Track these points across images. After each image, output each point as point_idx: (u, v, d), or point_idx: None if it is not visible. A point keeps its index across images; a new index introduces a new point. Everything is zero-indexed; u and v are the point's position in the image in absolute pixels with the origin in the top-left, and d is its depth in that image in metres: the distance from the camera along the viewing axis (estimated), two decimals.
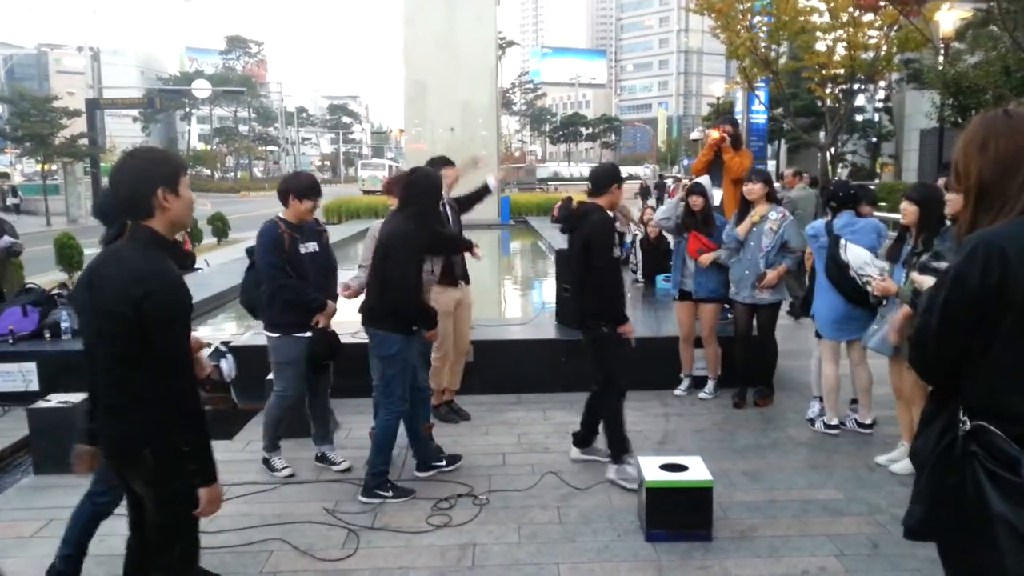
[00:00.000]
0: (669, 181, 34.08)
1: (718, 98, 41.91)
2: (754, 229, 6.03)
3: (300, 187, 4.79)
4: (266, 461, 5.05)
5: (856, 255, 5.14)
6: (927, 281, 2.62)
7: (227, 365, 3.08)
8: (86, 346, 2.81)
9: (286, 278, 4.68)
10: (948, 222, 4.63)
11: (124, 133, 73.06)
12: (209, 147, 75.95)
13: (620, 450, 4.84)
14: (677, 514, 4.07)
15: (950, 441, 2.09)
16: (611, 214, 4.87)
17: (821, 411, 6.03)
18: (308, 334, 4.78)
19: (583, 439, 5.20)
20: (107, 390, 2.70)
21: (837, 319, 5.43)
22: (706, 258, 6.19)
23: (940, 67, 18.13)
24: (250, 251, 5.03)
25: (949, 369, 2.12)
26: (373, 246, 4.97)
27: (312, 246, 4.83)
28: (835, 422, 5.62)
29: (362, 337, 4.89)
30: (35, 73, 73.26)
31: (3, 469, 5.34)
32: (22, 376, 6.30)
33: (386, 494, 4.61)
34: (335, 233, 16.01)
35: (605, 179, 4.88)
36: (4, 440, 5.58)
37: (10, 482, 5.08)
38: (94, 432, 2.81)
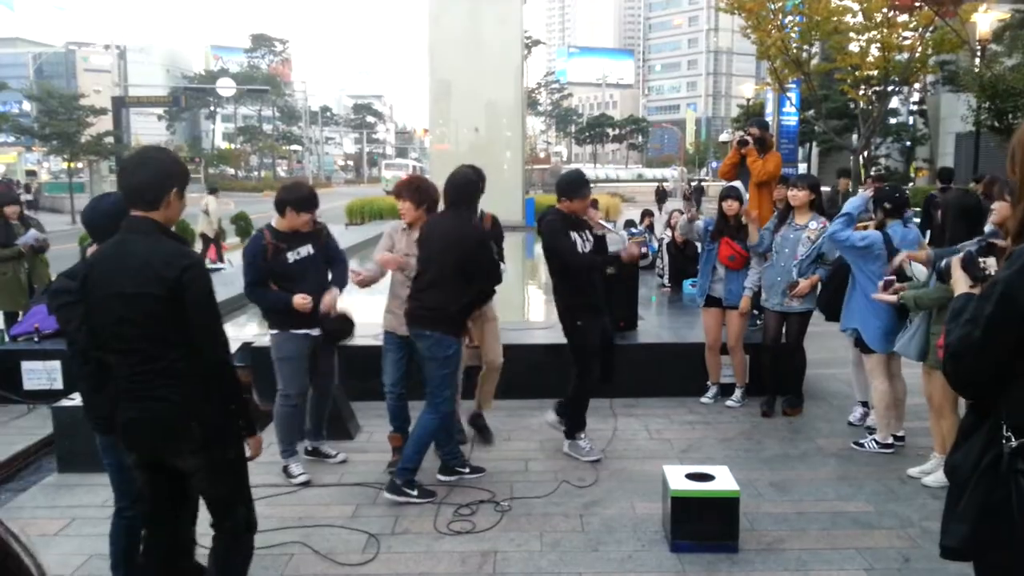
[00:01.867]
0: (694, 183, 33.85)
1: (748, 99, 41.61)
2: (791, 236, 5.92)
3: (299, 200, 4.76)
4: (284, 468, 5.01)
5: (919, 271, 4.99)
6: (961, 281, 2.52)
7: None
8: (96, 337, 2.89)
9: (258, 289, 4.77)
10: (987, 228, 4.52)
11: (149, 131, 73.98)
12: (233, 146, 76.65)
13: (575, 428, 5.34)
14: (703, 525, 4.00)
15: (994, 458, 2.03)
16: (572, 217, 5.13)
17: (863, 416, 5.93)
18: (305, 331, 4.81)
19: (562, 408, 5.49)
20: (137, 374, 2.79)
21: (890, 331, 5.23)
22: (805, 287, 5.87)
23: (976, 69, 17.81)
24: None
25: (985, 383, 2.05)
26: (388, 244, 5.00)
27: (306, 250, 4.79)
28: (889, 440, 5.41)
29: (374, 340, 4.89)
30: (63, 71, 74.28)
31: (27, 467, 5.38)
32: (47, 374, 6.34)
33: (412, 492, 4.58)
34: (358, 234, 16.11)
35: (560, 192, 5.18)
36: (29, 438, 5.61)
37: (34, 480, 5.10)
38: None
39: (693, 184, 35.23)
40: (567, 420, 5.38)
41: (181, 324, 2.72)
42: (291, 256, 4.74)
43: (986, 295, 2.06)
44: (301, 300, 4.64)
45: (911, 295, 4.70)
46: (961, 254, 2.60)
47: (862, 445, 5.44)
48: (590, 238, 5.20)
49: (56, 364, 6.36)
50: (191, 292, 2.70)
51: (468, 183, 4.74)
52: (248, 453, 2.99)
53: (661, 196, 31.98)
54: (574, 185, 5.16)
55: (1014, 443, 1.99)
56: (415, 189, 4.94)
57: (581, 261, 5.09)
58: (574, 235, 5.08)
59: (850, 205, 5.39)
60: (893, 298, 4.89)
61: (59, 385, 6.26)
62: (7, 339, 6.82)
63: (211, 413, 2.81)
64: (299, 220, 4.75)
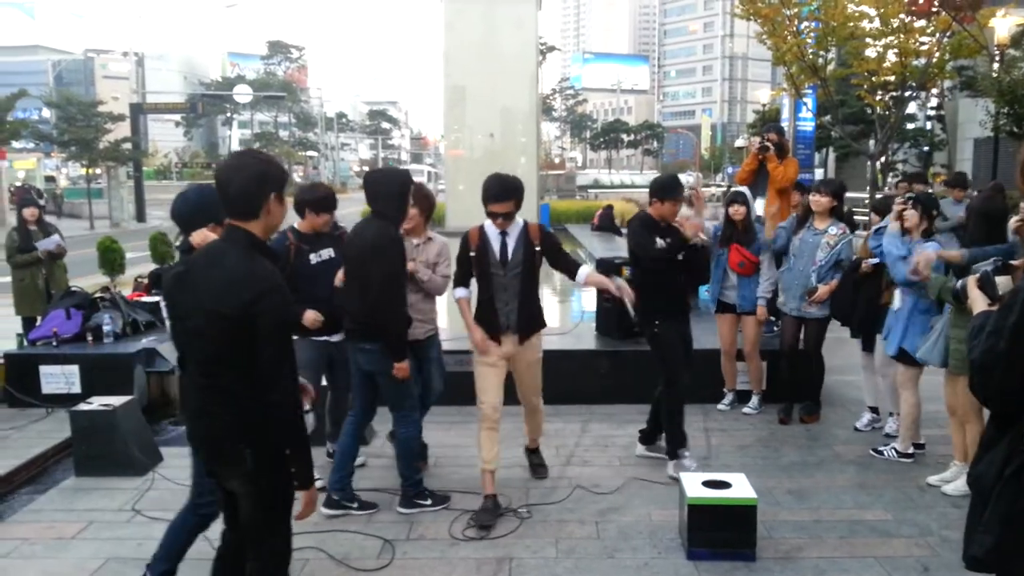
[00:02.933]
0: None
1: (764, 105, 41.40)
2: (809, 240, 5.87)
3: (316, 200, 4.82)
4: None
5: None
6: (979, 300, 2.52)
7: (310, 419, 3.20)
8: (179, 346, 2.86)
9: None
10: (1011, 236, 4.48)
11: (167, 137, 74.68)
12: None
13: (676, 445, 5.03)
14: (720, 532, 3.97)
15: (1018, 467, 2.01)
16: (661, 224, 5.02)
17: (870, 422, 5.92)
18: (325, 338, 4.81)
19: (647, 436, 5.38)
20: (201, 390, 2.72)
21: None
22: (824, 293, 5.78)
23: (995, 74, 17.67)
24: None
25: (1013, 393, 2.03)
26: None
27: (327, 252, 4.84)
28: (910, 450, 5.33)
29: None
30: (82, 78, 75.26)
31: (45, 470, 5.41)
32: (65, 378, 6.39)
33: (425, 503, 4.58)
34: None
35: (652, 193, 5.10)
36: (46, 442, 5.65)
37: (51, 483, 5.13)
38: None
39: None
40: (666, 438, 5.10)
41: (250, 349, 2.55)
42: (313, 258, 4.78)
43: (1008, 305, 2.04)
44: (312, 316, 4.67)
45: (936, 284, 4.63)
46: (977, 274, 2.58)
47: (881, 452, 5.39)
48: (676, 246, 5.02)
49: (74, 368, 6.41)
50: (263, 320, 2.53)
51: (391, 189, 4.43)
52: (298, 509, 2.77)
53: None
54: (667, 187, 5.04)
55: None
56: (424, 196, 4.91)
57: (654, 254, 4.96)
58: (659, 240, 4.99)
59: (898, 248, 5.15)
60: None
61: (77, 389, 6.31)
62: (25, 343, 6.87)
63: (266, 442, 2.64)
64: (318, 220, 4.79)
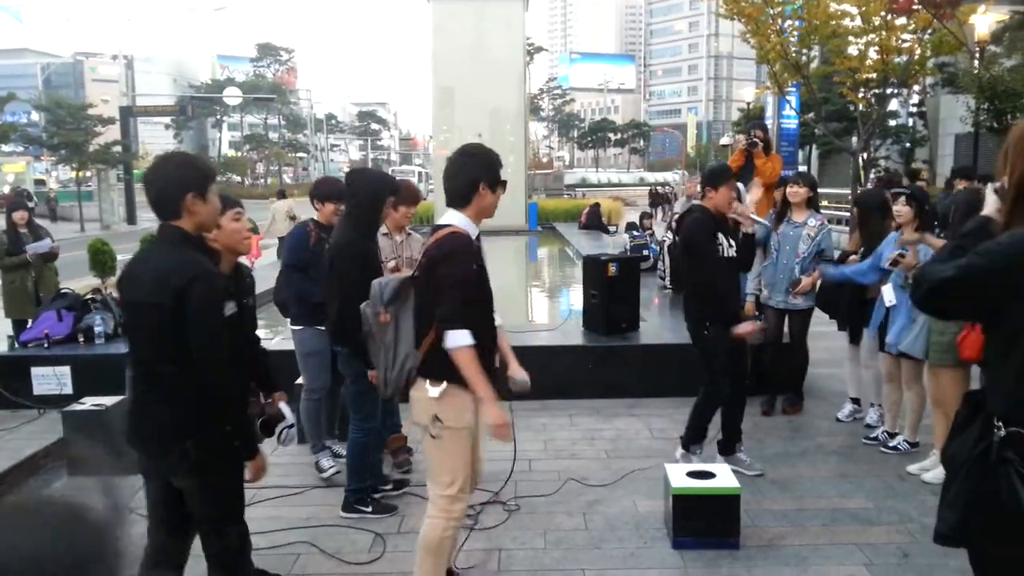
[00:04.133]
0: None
1: (748, 103, 41.62)
2: (790, 233, 5.98)
3: (320, 192, 5.05)
4: (316, 464, 5.14)
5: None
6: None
7: (286, 409, 3.30)
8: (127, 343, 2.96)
9: (295, 274, 4.94)
10: None
11: (156, 140, 74.35)
12: (239, 154, 76.81)
13: (690, 440, 5.07)
14: (704, 522, 4.05)
15: (986, 447, 2.08)
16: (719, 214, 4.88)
17: (851, 412, 6.03)
18: None
19: (725, 446, 5.14)
20: (142, 385, 2.79)
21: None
22: (807, 284, 5.84)
23: (975, 71, 17.86)
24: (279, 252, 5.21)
25: (947, 301, 2.16)
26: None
27: None
28: (917, 440, 5.36)
29: None
30: (71, 81, 74.79)
31: (38, 472, 5.44)
32: (57, 379, 6.42)
33: (365, 509, 4.48)
34: None
35: (705, 181, 4.99)
36: (39, 442, 5.68)
37: (44, 484, 5.17)
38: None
39: (661, 191, 31.84)
40: (687, 430, 5.08)
41: (184, 338, 2.64)
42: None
43: (966, 236, 2.11)
44: None
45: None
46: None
47: (897, 448, 5.37)
48: (732, 242, 4.92)
49: (66, 369, 6.44)
50: (191, 302, 2.61)
51: (367, 191, 4.39)
52: (248, 476, 2.89)
53: (656, 200, 30.47)
54: (719, 173, 4.91)
55: (1003, 432, 2.05)
56: (416, 194, 5.09)
57: (709, 275, 4.79)
58: (720, 237, 4.83)
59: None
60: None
61: (68, 390, 6.34)
62: (16, 345, 6.90)
63: (209, 434, 2.71)
64: (326, 210, 4.95)
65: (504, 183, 3.31)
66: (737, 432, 5.12)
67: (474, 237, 3.22)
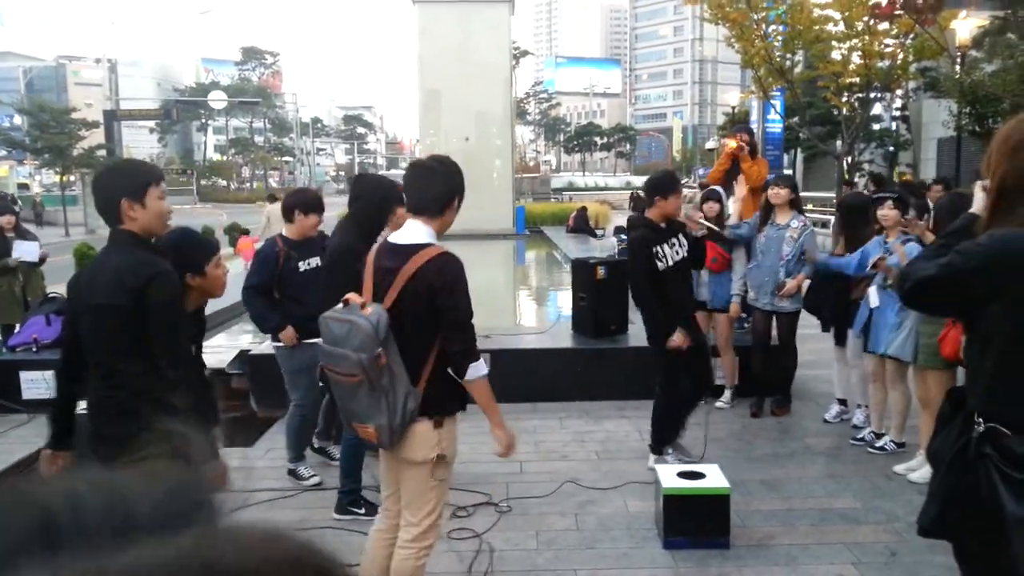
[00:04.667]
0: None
1: (733, 107, 41.82)
2: (774, 235, 6.04)
3: (305, 202, 4.89)
4: (291, 472, 5.05)
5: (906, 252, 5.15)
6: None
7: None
8: (70, 348, 2.95)
9: (257, 297, 4.80)
10: None
11: (141, 144, 73.86)
12: (225, 158, 76.60)
13: (660, 442, 5.16)
14: (694, 521, 4.09)
15: (965, 443, 2.13)
16: (663, 225, 4.97)
17: (838, 413, 6.10)
18: (314, 340, 4.82)
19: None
20: (104, 388, 2.80)
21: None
22: (792, 286, 5.91)
23: (957, 76, 18.05)
24: None
25: (929, 298, 2.22)
26: None
27: (315, 261, 4.82)
28: (904, 440, 5.42)
29: None
30: (53, 85, 74.35)
31: (27, 476, 5.42)
32: (45, 383, 6.39)
33: (359, 511, 4.49)
34: None
35: (649, 190, 5.06)
36: (28, 447, 5.65)
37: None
38: (62, 435, 2.95)
39: (642, 195, 33.02)
40: (652, 434, 5.21)
41: (145, 339, 2.70)
42: (302, 265, 4.80)
43: (967, 251, 2.17)
44: (290, 334, 4.75)
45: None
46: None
47: (884, 448, 5.42)
48: (684, 243, 5.00)
49: (54, 374, 6.41)
50: (152, 300, 2.68)
51: (372, 197, 4.40)
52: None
53: (638, 204, 30.17)
54: (663, 184, 5.00)
55: (981, 428, 2.10)
56: None
57: (640, 294, 4.95)
58: (662, 248, 4.88)
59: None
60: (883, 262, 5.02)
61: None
62: (4, 350, 6.87)
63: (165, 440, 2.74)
64: (308, 223, 4.82)
65: (402, 198, 3.19)
66: (669, 432, 5.21)
67: None
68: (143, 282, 2.68)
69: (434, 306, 2.88)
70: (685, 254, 5.00)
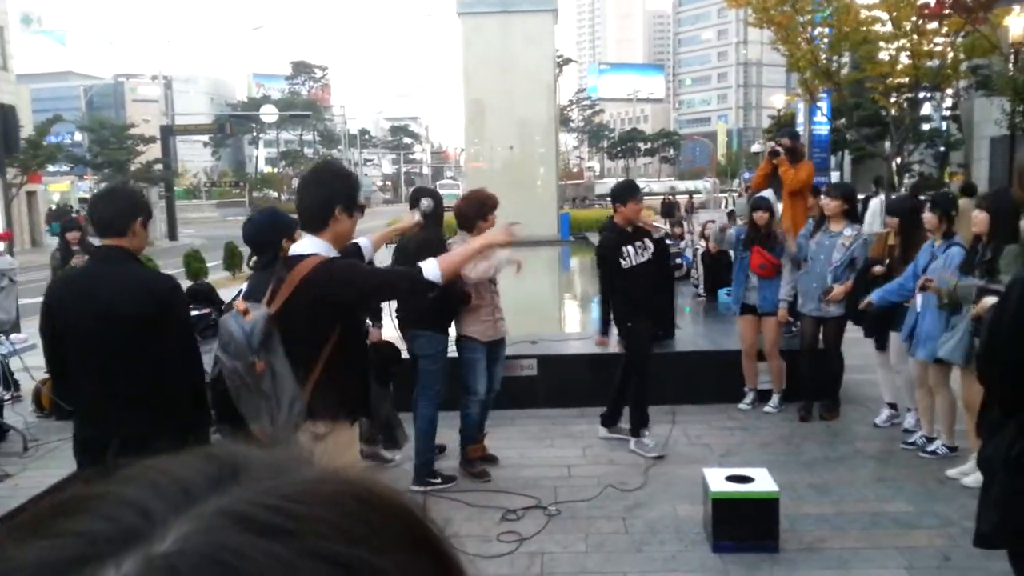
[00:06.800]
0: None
1: (779, 110, 41.38)
2: (826, 242, 6.02)
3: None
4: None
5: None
6: (989, 302, 2.66)
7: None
8: (81, 359, 3.06)
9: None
10: None
11: (195, 158, 75.76)
12: (276, 170, 77.98)
13: (639, 424, 5.60)
14: (743, 525, 4.09)
15: (1021, 449, 2.13)
16: (628, 228, 5.49)
17: (889, 418, 6.04)
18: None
19: (609, 418, 5.88)
20: (123, 388, 2.98)
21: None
22: (839, 292, 5.93)
23: (1010, 73, 17.64)
24: None
25: (1017, 379, 2.15)
26: None
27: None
28: (956, 444, 5.34)
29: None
30: (112, 102, 76.56)
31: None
32: None
33: (435, 481, 4.97)
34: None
35: (614, 198, 5.62)
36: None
37: None
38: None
39: (672, 200, 30.58)
40: (631, 418, 5.66)
41: (156, 347, 2.93)
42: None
43: (1004, 297, 2.18)
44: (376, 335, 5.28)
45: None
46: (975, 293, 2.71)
47: (936, 453, 5.36)
48: (648, 246, 5.52)
49: None
50: (175, 313, 3.03)
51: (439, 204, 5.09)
52: None
53: (668, 210, 29.04)
54: (624, 191, 5.58)
55: None
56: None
57: (604, 287, 5.73)
58: (628, 249, 5.41)
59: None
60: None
61: None
62: None
63: (183, 425, 2.96)
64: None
65: (362, 207, 3.17)
66: (645, 415, 5.67)
67: None
68: (167, 290, 3.06)
69: (325, 312, 2.93)
70: (650, 256, 5.51)
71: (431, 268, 2.96)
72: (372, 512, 0.37)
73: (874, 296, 5.50)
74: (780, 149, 7.28)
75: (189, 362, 3.07)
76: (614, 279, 5.51)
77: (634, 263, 5.42)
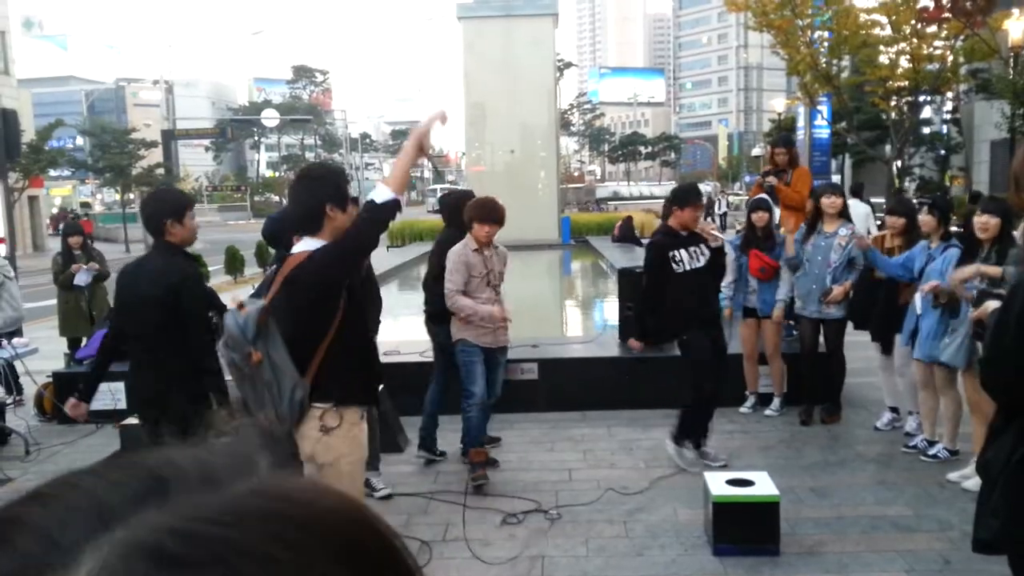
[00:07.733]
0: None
1: (779, 114, 41.33)
2: (822, 244, 6.03)
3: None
4: (366, 481, 5.09)
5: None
6: (991, 306, 2.65)
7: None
8: (121, 331, 3.91)
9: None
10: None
11: (197, 162, 75.76)
12: (277, 174, 78.06)
13: (682, 435, 5.36)
14: (744, 529, 4.09)
15: (1022, 455, 2.13)
16: (683, 232, 5.27)
17: (890, 421, 6.03)
18: None
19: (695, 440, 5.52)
20: (145, 359, 3.74)
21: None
22: (839, 293, 5.91)
23: (1010, 76, 17.66)
24: None
25: (1021, 385, 2.14)
26: (465, 275, 4.97)
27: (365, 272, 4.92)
28: (957, 448, 5.35)
29: (421, 356, 5.13)
30: (113, 107, 76.69)
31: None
32: (111, 395, 6.62)
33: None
34: (399, 256, 16.40)
35: (672, 201, 5.43)
36: (97, 456, 5.89)
37: None
38: (88, 392, 3.99)
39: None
40: (678, 425, 5.40)
41: (175, 324, 3.57)
42: None
43: (1008, 301, 2.18)
44: None
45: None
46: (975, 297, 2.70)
47: (937, 456, 5.36)
48: (705, 252, 5.25)
49: (119, 385, 6.64)
50: (185, 300, 3.58)
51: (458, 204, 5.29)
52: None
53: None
54: (685, 194, 5.39)
55: None
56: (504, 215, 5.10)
57: (648, 294, 5.42)
58: (681, 253, 5.18)
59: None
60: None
61: (123, 405, 6.54)
62: (73, 363, 7.15)
63: (191, 391, 3.55)
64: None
65: (355, 199, 3.29)
66: (692, 429, 5.40)
67: None
68: (178, 279, 3.57)
69: (316, 299, 3.03)
70: (705, 263, 5.25)
71: (381, 192, 3.04)
72: (303, 531, 0.35)
73: (872, 253, 5.60)
74: (773, 182, 7.19)
75: (196, 339, 3.60)
76: (665, 284, 5.21)
77: (688, 267, 5.18)
